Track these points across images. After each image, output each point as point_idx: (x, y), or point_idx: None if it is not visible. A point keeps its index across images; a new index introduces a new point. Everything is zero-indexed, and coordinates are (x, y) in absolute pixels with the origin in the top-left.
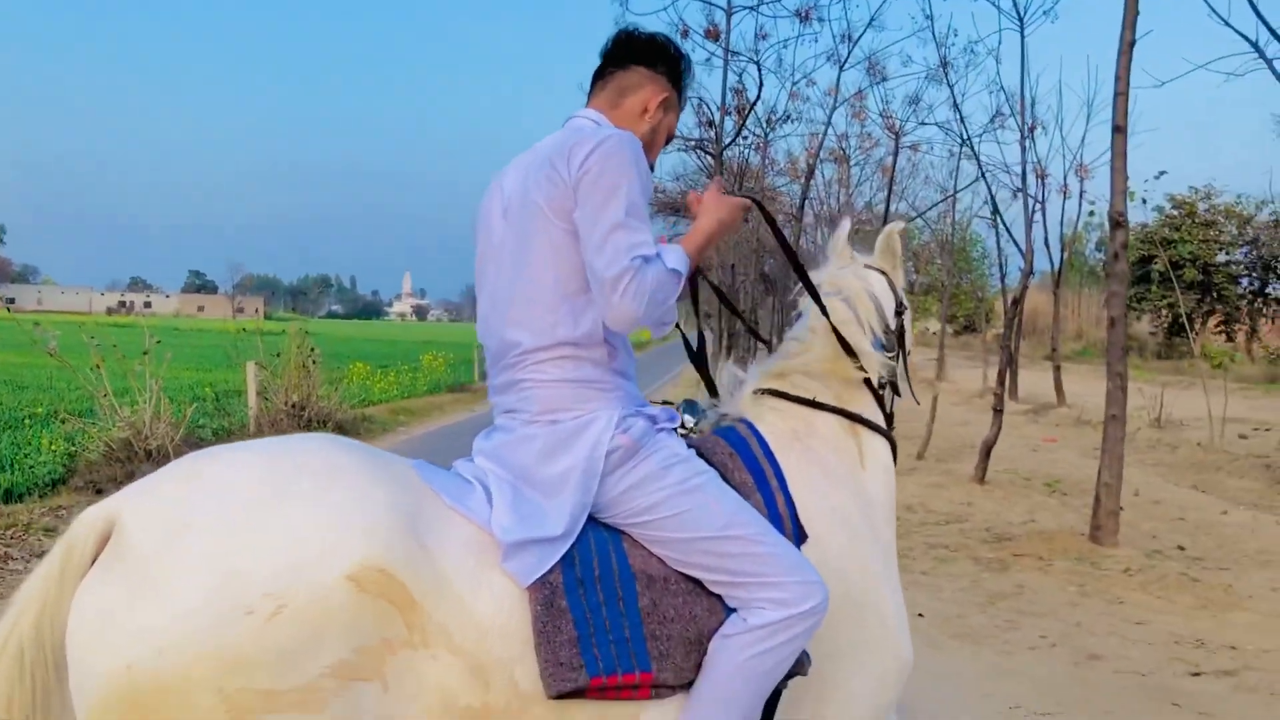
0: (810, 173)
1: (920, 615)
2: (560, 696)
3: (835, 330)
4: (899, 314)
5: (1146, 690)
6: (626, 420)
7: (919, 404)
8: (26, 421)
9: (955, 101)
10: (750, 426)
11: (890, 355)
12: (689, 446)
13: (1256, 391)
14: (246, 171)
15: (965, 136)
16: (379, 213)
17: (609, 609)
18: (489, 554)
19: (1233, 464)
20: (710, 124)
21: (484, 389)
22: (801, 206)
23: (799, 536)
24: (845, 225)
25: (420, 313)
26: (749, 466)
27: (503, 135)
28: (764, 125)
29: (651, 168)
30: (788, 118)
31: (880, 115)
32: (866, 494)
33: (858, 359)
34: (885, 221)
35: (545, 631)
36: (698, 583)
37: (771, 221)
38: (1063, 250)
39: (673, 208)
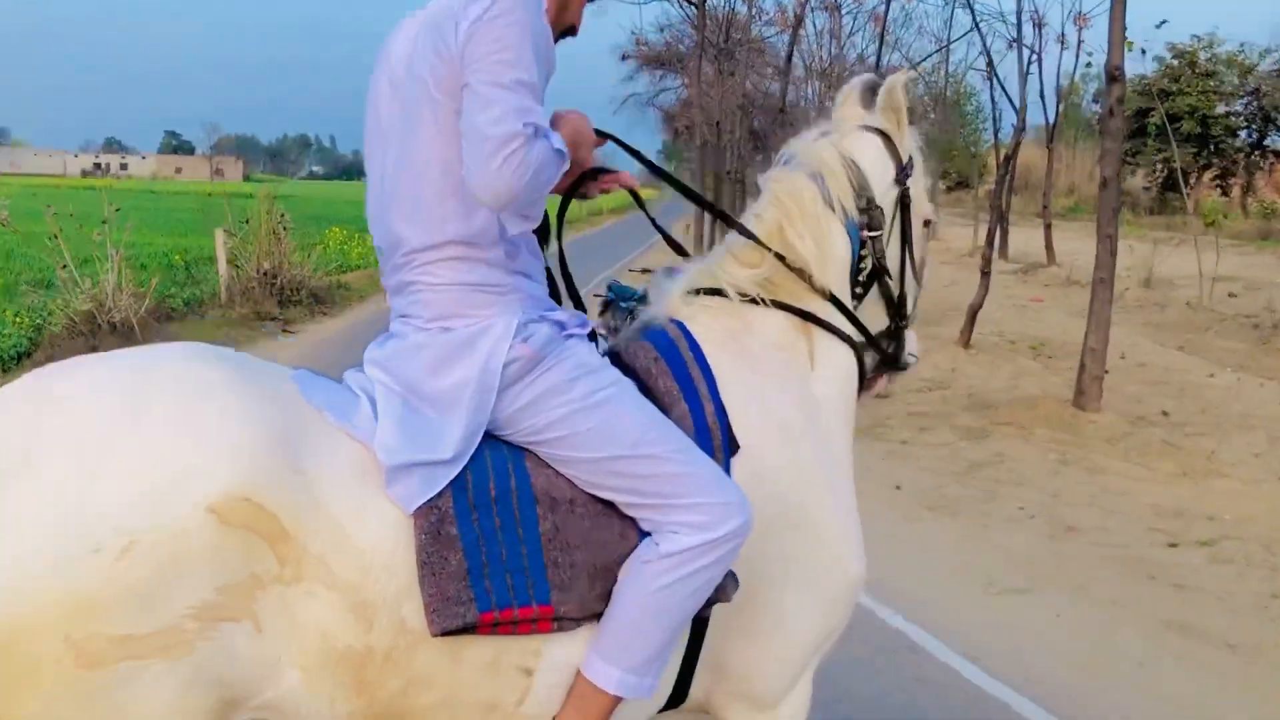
0: (798, 22)
1: (898, 488)
2: (446, 634)
3: (766, 246)
4: (900, 181)
5: (1123, 563)
6: (528, 327)
7: (920, 286)
8: None
9: None
10: (681, 327)
11: (875, 232)
12: (611, 351)
13: (1249, 248)
14: (223, 23)
15: None
16: (358, 68)
17: (505, 535)
18: (375, 477)
19: (1221, 324)
20: None
21: None
22: (789, 59)
23: (729, 448)
24: (857, 82)
25: None
26: (675, 373)
27: None
28: None
29: (573, 31)
30: None
31: None
32: (815, 398)
33: (803, 273)
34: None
35: (430, 563)
36: (610, 505)
37: (636, 153)
38: (1058, 103)
39: (658, 61)
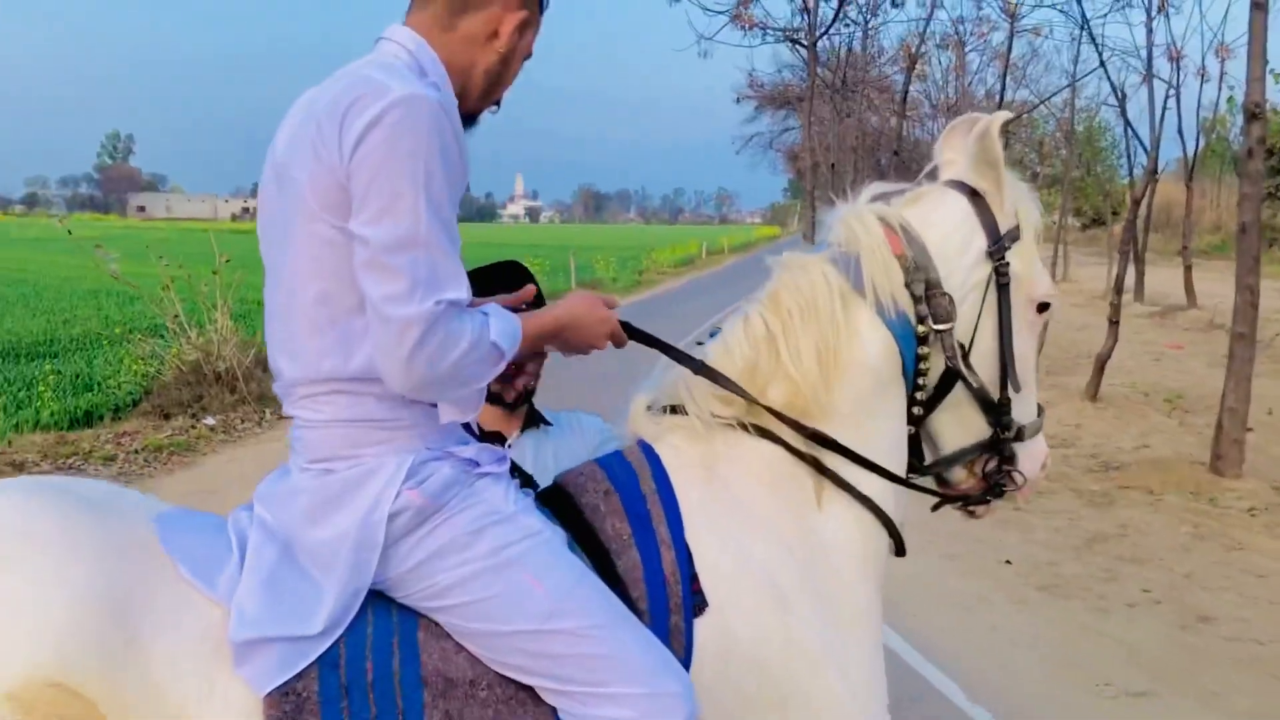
0: (913, 60)
1: (1007, 562)
2: None
3: (742, 391)
4: (995, 254)
5: (1264, 664)
6: (425, 468)
7: (1018, 389)
8: (111, 339)
9: None
10: (647, 452)
11: (943, 325)
12: (556, 484)
13: None
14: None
15: (1084, 18)
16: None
17: None
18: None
19: None
20: (805, 10)
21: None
22: (904, 97)
23: (691, 606)
24: (960, 121)
25: (533, 214)
26: (629, 510)
27: (605, 32)
28: (864, 11)
29: (498, 104)
30: (892, 1)
31: None
32: (820, 544)
33: (791, 407)
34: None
35: None
36: (525, 688)
37: (647, 337)
38: (1198, 139)
39: (778, 100)
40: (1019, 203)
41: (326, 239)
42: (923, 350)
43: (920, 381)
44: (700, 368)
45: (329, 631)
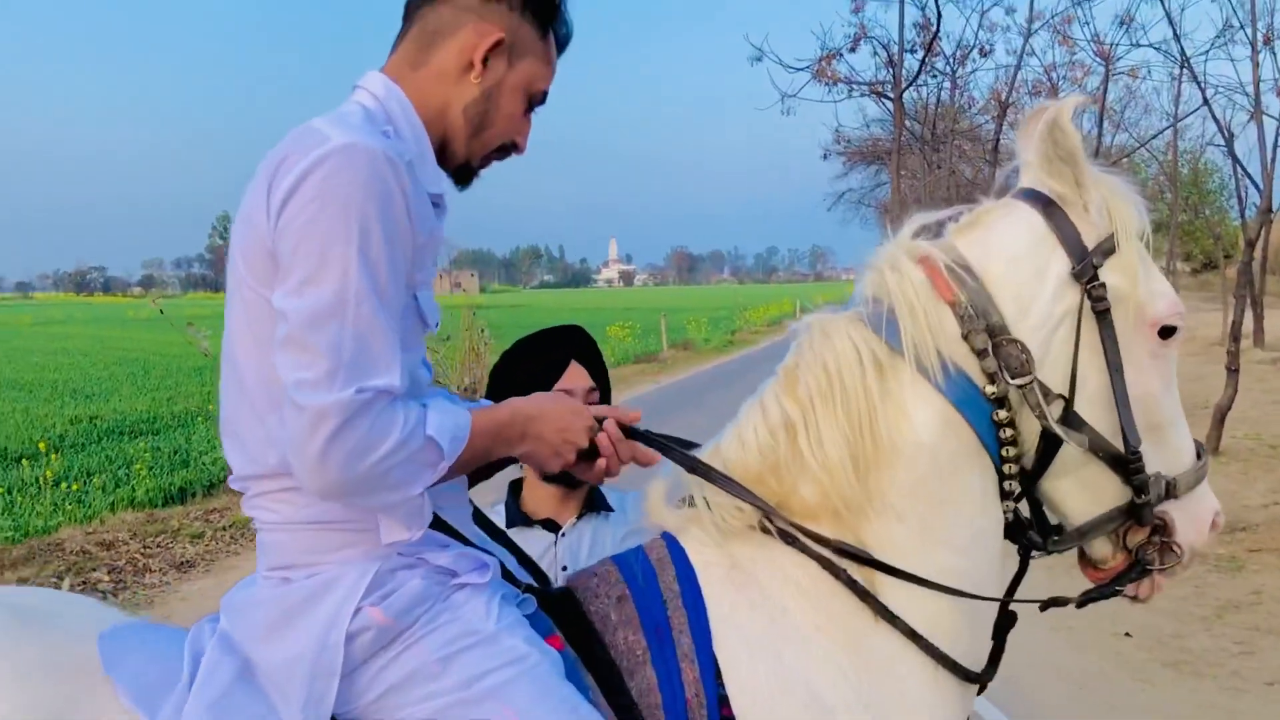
0: (1004, 108)
1: (1127, 635)
2: None
3: (754, 499)
4: (1084, 275)
5: None
6: (392, 578)
7: (1136, 441)
8: (207, 415)
9: (1170, 16)
10: (671, 545)
11: (1020, 380)
12: (564, 588)
13: None
14: None
15: (1183, 56)
16: (583, 181)
17: None
18: None
19: None
20: (891, 64)
21: (671, 357)
22: (995, 146)
23: None
24: (1032, 114)
25: (626, 278)
26: (645, 620)
27: (706, 94)
28: (951, 61)
29: (513, 149)
30: (980, 50)
31: (1090, 40)
32: (874, 657)
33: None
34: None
35: None
36: None
37: (643, 435)
38: None
39: (867, 155)
40: (1111, 203)
41: (262, 312)
42: (1001, 415)
43: (1007, 452)
44: (697, 467)
45: None
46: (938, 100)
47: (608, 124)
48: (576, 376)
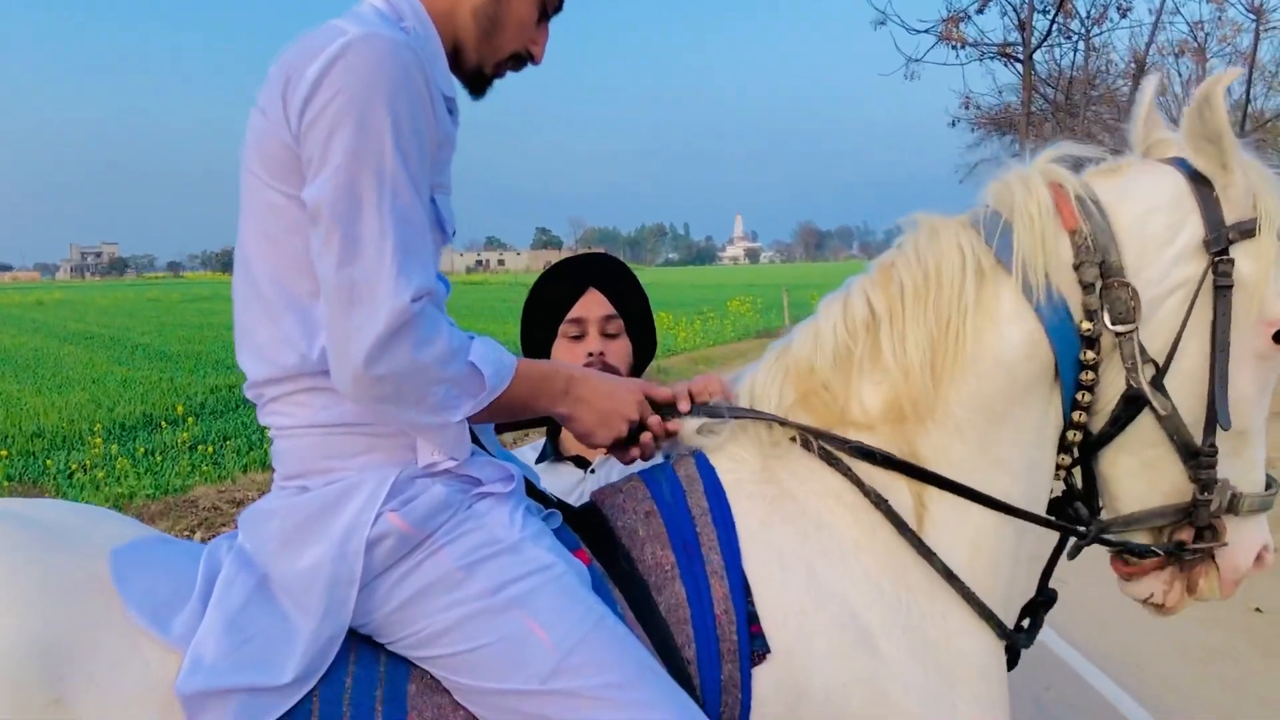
0: (1142, 67)
1: (1257, 610)
2: None
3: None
4: (1214, 247)
5: None
6: (412, 485)
7: (1226, 426)
8: None
9: None
10: (701, 463)
11: (1124, 327)
12: (590, 504)
13: None
14: (591, 121)
15: None
16: (708, 157)
17: None
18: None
19: None
20: (1021, 26)
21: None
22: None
23: (748, 653)
24: (1150, 85)
25: (752, 255)
26: (673, 536)
27: (830, 63)
28: (1086, 21)
29: (529, 58)
30: (1119, 9)
31: None
32: (917, 575)
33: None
34: (1244, 126)
35: None
36: None
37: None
38: None
39: (999, 123)
40: (1260, 192)
41: (278, 210)
42: (1088, 355)
43: (1082, 397)
44: (723, 411)
45: (300, 681)
46: (1072, 64)
47: (732, 99)
48: (592, 304)
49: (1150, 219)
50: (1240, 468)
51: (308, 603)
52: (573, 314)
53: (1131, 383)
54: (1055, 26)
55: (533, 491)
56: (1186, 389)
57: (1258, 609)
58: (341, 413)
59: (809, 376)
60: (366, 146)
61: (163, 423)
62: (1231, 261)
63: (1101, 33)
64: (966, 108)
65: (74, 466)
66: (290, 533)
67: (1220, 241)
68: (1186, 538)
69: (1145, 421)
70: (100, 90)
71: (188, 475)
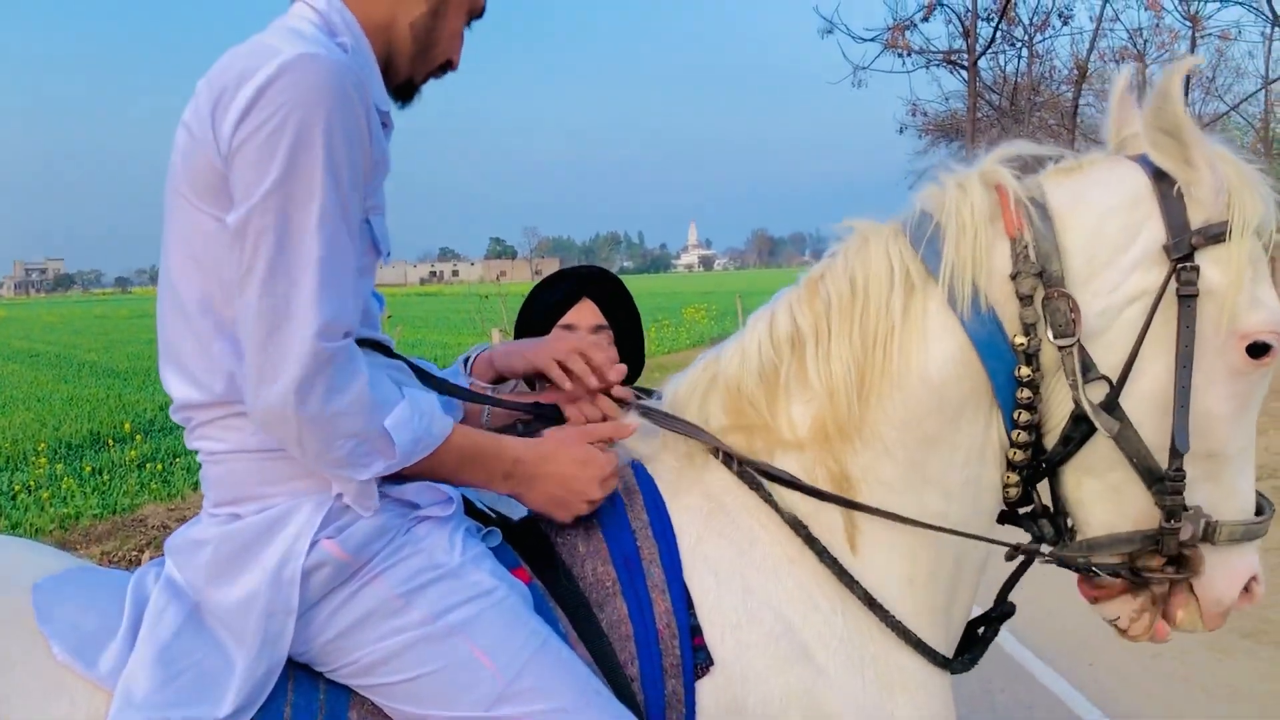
0: (1082, 75)
1: None
2: None
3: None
4: (1176, 253)
5: None
6: (349, 511)
7: (1184, 448)
8: None
9: None
10: (640, 474)
11: (1064, 340)
12: (526, 519)
13: None
14: (548, 129)
15: (1274, 15)
16: (660, 165)
17: None
18: None
19: None
20: (965, 33)
21: None
22: (1074, 113)
23: (690, 667)
24: (1123, 76)
25: (706, 263)
26: (614, 551)
27: (761, 71)
28: (1029, 28)
29: (449, 66)
30: (1060, 15)
31: (1178, 1)
32: (849, 594)
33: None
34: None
35: None
36: None
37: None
38: None
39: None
40: (1235, 189)
41: (206, 233)
42: (1023, 372)
43: (1019, 416)
44: (651, 414)
45: (238, 714)
46: (1017, 71)
47: (685, 107)
48: (584, 313)
49: (1105, 222)
50: (1218, 494)
51: (244, 633)
52: (565, 320)
53: (1074, 398)
54: (999, 34)
55: (472, 510)
56: (1147, 408)
57: None
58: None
59: (737, 394)
60: (298, 173)
61: (110, 441)
62: (1196, 269)
63: (1044, 39)
64: (914, 114)
65: (18, 487)
66: (223, 562)
67: (1183, 247)
68: (1154, 565)
69: (1102, 443)
70: (37, 95)
71: (136, 494)
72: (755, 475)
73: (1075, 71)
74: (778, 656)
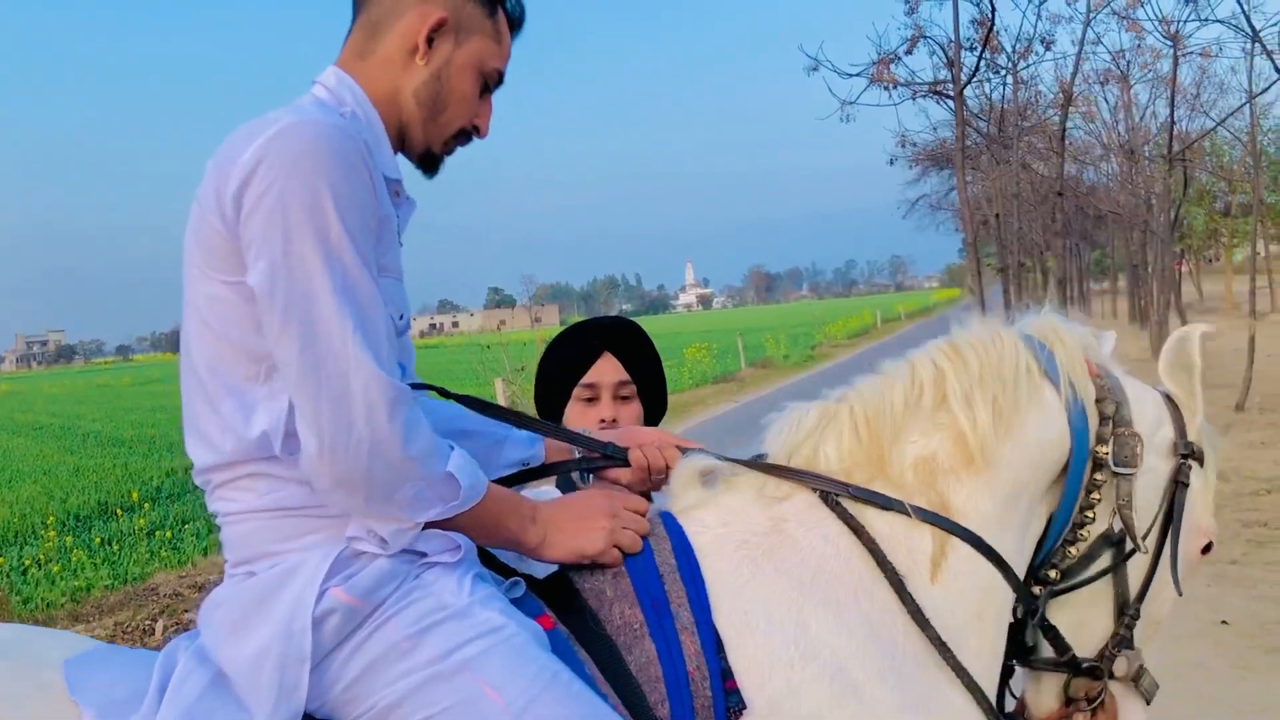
0: (1068, 99)
1: (1224, 623)
2: None
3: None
4: (1184, 451)
5: None
6: (356, 560)
7: (1179, 594)
8: None
9: None
10: (669, 523)
11: (1125, 470)
12: (553, 573)
13: None
14: (533, 178)
15: (1253, 31)
16: (655, 206)
17: None
18: None
19: None
20: (950, 63)
21: (750, 376)
22: (1062, 136)
23: (722, 709)
24: (1108, 342)
25: (705, 302)
26: (641, 593)
27: (771, 110)
28: (1012, 55)
29: (475, 133)
30: (1042, 41)
31: (1158, 22)
32: (906, 622)
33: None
34: (1171, 147)
35: None
36: None
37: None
38: None
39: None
40: (1206, 433)
41: (214, 299)
42: (1096, 478)
43: (1078, 515)
44: (755, 464)
45: None
46: (1002, 98)
47: (678, 148)
48: (606, 369)
49: (1144, 411)
50: (1146, 654)
51: (259, 687)
52: (587, 378)
53: (1122, 518)
54: (983, 62)
55: (494, 564)
56: (1138, 560)
57: (1224, 621)
58: (283, 496)
59: (865, 426)
60: (308, 226)
61: (118, 510)
62: (1191, 468)
63: (1028, 65)
64: (903, 145)
65: (28, 562)
66: (237, 619)
67: (1186, 448)
68: (1081, 692)
69: (1096, 577)
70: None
71: (146, 562)
72: (838, 501)
73: (1061, 95)
74: (831, 695)
